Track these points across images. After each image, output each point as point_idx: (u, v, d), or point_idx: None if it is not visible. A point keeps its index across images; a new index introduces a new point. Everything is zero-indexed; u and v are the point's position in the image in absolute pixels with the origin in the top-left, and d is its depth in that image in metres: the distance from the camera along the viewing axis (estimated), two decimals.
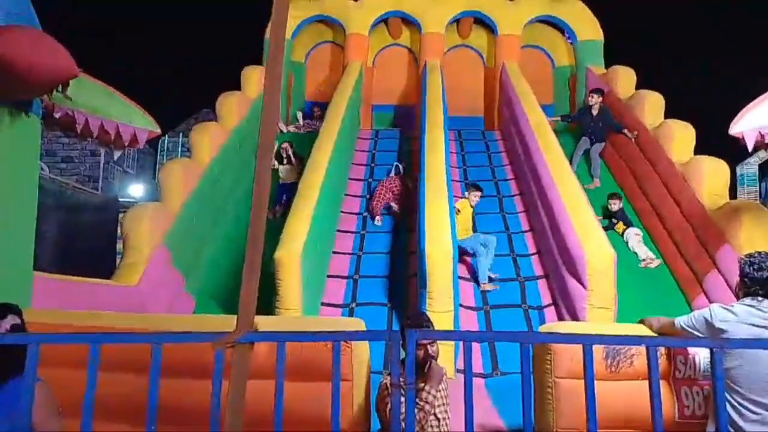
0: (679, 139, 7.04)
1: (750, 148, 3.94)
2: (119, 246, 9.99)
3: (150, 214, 5.72)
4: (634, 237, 6.81)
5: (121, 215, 10.65)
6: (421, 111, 8.81)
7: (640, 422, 2.99)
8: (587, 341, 1.70)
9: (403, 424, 2.56)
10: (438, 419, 2.89)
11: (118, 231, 10.23)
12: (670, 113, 7.76)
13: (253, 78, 9.25)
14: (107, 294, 4.76)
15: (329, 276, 6.37)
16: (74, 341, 1.79)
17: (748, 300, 2.65)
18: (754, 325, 2.57)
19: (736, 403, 2.56)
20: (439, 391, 2.86)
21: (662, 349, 3.04)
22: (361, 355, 3.08)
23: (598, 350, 3.05)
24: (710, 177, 6.20)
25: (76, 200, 8.73)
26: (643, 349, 3.06)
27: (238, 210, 7.61)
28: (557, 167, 6.39)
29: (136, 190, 14.43)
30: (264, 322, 3.46)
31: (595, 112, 8.40)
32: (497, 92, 10.03)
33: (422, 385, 2.77)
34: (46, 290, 3.79)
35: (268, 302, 5.50)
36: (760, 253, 2.73)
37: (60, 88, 3.15)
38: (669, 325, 3.04)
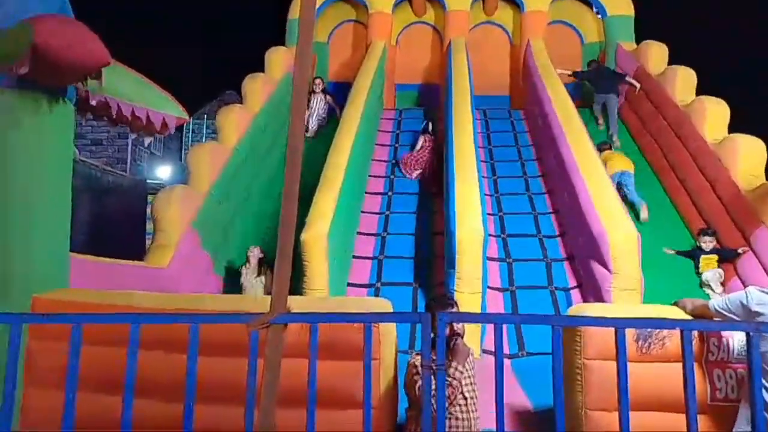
0: (713, 116, 6.86)
1: None
2: (148, 227, 10.23)
3: (179, 197, 5.82)
4: (717, 277, 5.79)
5: (149, 197, 10.87)
6: (446, 90, 8.72)
7: (671, 404, 2.98)
8: (621, 325, 1.69)
9: (433, 402, 2.62)
10: (465, 398, 2.92)
11: (147, 212, 10.46)
12: (703, 90, 7.56)
13: (277, 59, 9.26)
14: (139, 275, 4.89)
15: (354, 256, 6.42)
16: (115, 321, 1.85)
17: None
18: None
19: None
20: (466, 369, 2.88)
21: (695, 332, 3.01)
22: (389, 334, 3.11)
23: (629, 332, 3.03)
24: (745, 156, 6.04)
25: (106, 182, 8.91)
26: (675, 331, 3.05)
27: (263, 192, 7.69)
28: (579, 148, 6.28)
29: (163, 171, 14.65)
30: (296, 303, 3.52)
31: (593, 67, 9.23)
32: (522, 70, 9.86)
33: (449, 361, 2.79)
34: (81, 271, 3.90)
35: (295, 282, 5.59)
36: None
37: (94, 76, 3.20)
38: (702, 307, 3.02)
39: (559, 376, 1.66)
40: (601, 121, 8.95)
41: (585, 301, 5.44)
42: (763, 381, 2.44)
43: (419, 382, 2.75)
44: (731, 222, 5.87)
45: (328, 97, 9.46)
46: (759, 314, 2.60)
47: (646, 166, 7.88)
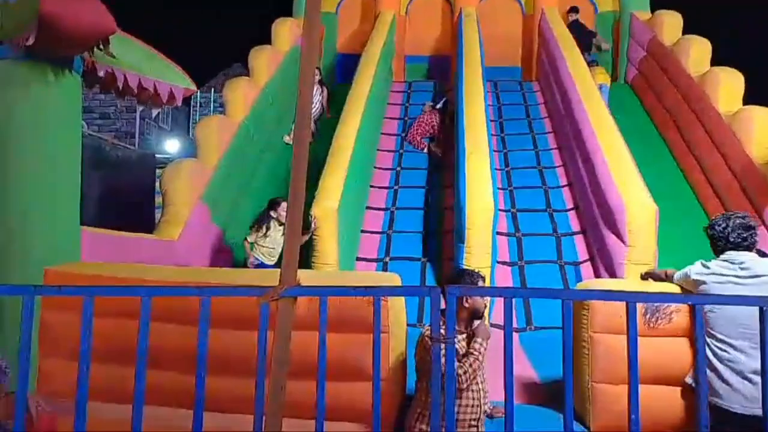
0: (727, 87, 6.73)
1: None
2: (157, 200, 10.27)
3: (188, 171, 5.83)
4: None
5: (158, 170, 10.88)
6: (456, 62, 8.59)
7: (677, 378, 3.00)
8: (632, 299, 1.69)
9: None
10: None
11: (156, 186, 10.49)
12: (718, 61, 7.39)
13: (284, 31, 9.15)
14: (150, 248, 4.92)
15: (363, 231, 6.42)
16: (127, 294, 1.87)
17: (723, 255, 2.86)
18: (722, 275, 2.78)
19: (712, 345, 2.72)
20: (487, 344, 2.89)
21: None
22: (398, 308, 3.13)
23: (639, 308, 3.03)
24: (760, 128, 5.93)
25: (115, 156, 8.92)
26: (682, 306, 3.05)
27: (272, 165, 7.68)
28: (598, 118, 6.19)
29: (171, 145, 14.65)
30: (305, 277, 3.54)
31: (573, 19, 9.41)
32: (536, 41, 9.67)
33: (473, 337, 2.81)
34: (93, 244, 3.93)
35: (305, 257, 5.61)
36: (717, 217, 2.99)
37: (101, 46, 3.17)
38: (669, 278, 3.19)
39: (569, 350, 1.66)
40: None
41: (596, 274, 5.43)
42: (706, 340, 2.68)
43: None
44: (743, 197, 5.79)
45: (324, 90, 8.75)
46: (701, 283, 2.85)
47: (658, 138, 7.79)
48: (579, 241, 6.09)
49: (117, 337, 2.63)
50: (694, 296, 2.68)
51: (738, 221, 2.84)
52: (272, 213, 5.75)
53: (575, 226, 6.31)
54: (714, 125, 6.52)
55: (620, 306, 3.06)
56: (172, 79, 4.08)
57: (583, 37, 9.15)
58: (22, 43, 2.98)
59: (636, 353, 1.62)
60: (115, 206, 8.26)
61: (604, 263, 5.35)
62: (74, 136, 3.66)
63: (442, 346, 1.71)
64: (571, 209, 6.55)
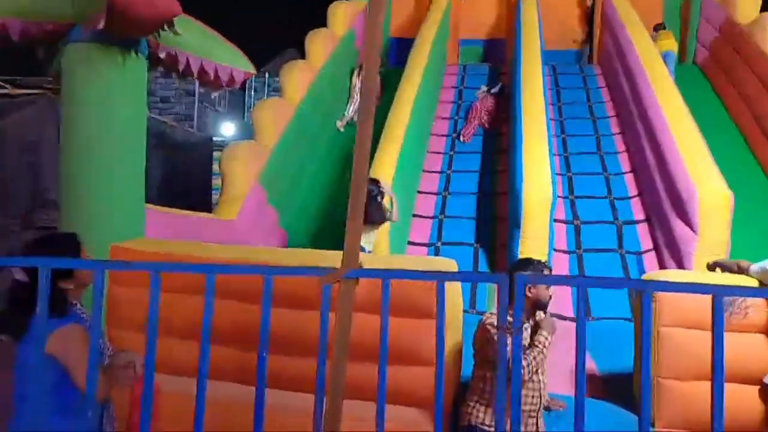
0: None
1: None
2: (214, 182, 10.53)
3: (246, 153, 5.92)
4: None
5: (215, 153, 11.15)
6: (514, 44, 8.36)
7: (754, 377, 2.83)
8: (719, 292, 1.57)
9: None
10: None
11: (213, 168, 10.75)
12: None
13: (340, 14, 9.11)
14: (209, 227, 5.04)
15: (415, 215, 6.38)
16: (192, 270, 1.89)
17: None
18: None
19: None
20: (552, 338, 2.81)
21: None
22: (453, 293, 3.08)
23: (709, 301, 2.86)
24: None
25: (175, 139, 9.17)
26: (758, 300, 2.86)
27: (328, 148, 7.72)
28: (668, 100, 5.88)
29: (227, 128, 14.96)
30: (366, 260, 3.53)
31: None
32: (599, 23, 9.27)
33: (538, 330, 2.74)
34: (156, 222, 4.05)
35: None
36: None
37: (167, 27, 3.23)
38: (746, 270, 3.02)
39: (648, 344, 1.57)
40: None
41: (661, 265, 5.19)
42: None
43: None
44: None
45: (377, 78, 8.85)
46: None
47: (731, 125, 7.34)
48: (642, 230, 5.85)
49: (179, 312, 2.70)
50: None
51: None
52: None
53: (638, 214, 6.06)
54: None
55: (689, 298, 2.94)
56: (232, 61, 4.12)
57: None
58: (93, 26, 3.06)
59: (722, 351, 1.51)
60: (174, 187, 8.53)
61: (671, 253, 5.11)
62: (140, 117, 3.76)
63: (509, 335, 1.64)
64: (634, 197, 6.29)
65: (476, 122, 7.61)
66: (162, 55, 3.75)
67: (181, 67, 3.86)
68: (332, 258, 1.82)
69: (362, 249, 5.47)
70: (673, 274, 3.44)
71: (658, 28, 8.92)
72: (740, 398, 2.85)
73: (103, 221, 3.47)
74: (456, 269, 3.17)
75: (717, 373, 1.49)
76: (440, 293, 1.73)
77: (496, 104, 7.71)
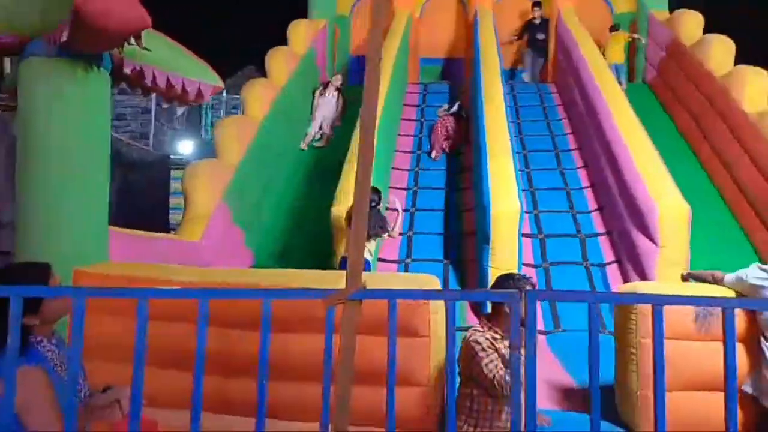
0: (753, 87, 6.63)
1: None
2: (173, 202, 10.23)
3: (209, 171, 5.76)
4: None
5: (173, 172, 10.85)
6: (472, 63, 8.52)
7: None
8: (729, 304, 1.59)
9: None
10: None
11: (171, 187, 10.45)
12: (741, 60, 7.29)
13: (300, 32, 9.09)
14: (173, 249, 4.85)
15: None
16: (184, 296, 1.78)
17: None
18: None
19: None
20: None
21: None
22: (439, 311, 3.04)
23: (689, 312, 2.94)
24: None
25: (131, 157, 8.88)
26: (736, 309, 2.95)
27: (293, 166, 7.62)
28: (624, 118, 6.10)
29: (184, 147, 14.58)
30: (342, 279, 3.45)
31: (537, 21, 9.51)
32: (553, 42, 9.58)
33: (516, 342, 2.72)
34: (119, 245, 3.86)
35: (327, 257, 5.54)
36: None
37: (133, 41, 3.10)
38: (721, 281, 3.11)
39: (661, 356, 1.57)
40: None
41: (624, 276, 5.32)
42: (766, 342, 2.67)
43: (485, 360, 2.68)
44: None
45: (341, 97, 8.48)
46: (759, 288, 2.77)
47: (680, 139, 7.67)
48: (604, 243, 6.00)
49: (157, 339, 2.54)
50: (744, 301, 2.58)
51: None
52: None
53: (599, 227, 6.22)
54: (741, 125, 6.41)
55: (669, 310, 2.99)
56: (199, 75, 4.01)
57: (547, 38, 9.56)
58: (56, 39, 2.91)
59: (735, 365, 1.53)
60: (131, 207, 8.22)
61: (634, 265, 5.25)
62: (103, 135, 3.60)
63: (522, 353, 1.62)
64: (595, 210, 6.46)
65: (438, 145, 7.66)
66: (127, 70, 3.61)
67: (147, 82, 3.72)
68: (328, 279, 1.75)
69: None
70: (653, 287, 3.52)
71: (613, 29, 9.35)
72: (720, 406, 2.91)
73: (65, 244, 3.28)
74: (438, 286, 3.14)
75: (730, 386, 1.51)
76: (450, 311, 1.69)
77: (455, 124, 7.75)
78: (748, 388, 2.77)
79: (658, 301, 1.64)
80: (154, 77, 3.76)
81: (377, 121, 6.48)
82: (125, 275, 3.21)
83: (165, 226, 9.19)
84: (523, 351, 2.67)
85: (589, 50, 7.80)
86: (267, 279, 3.03)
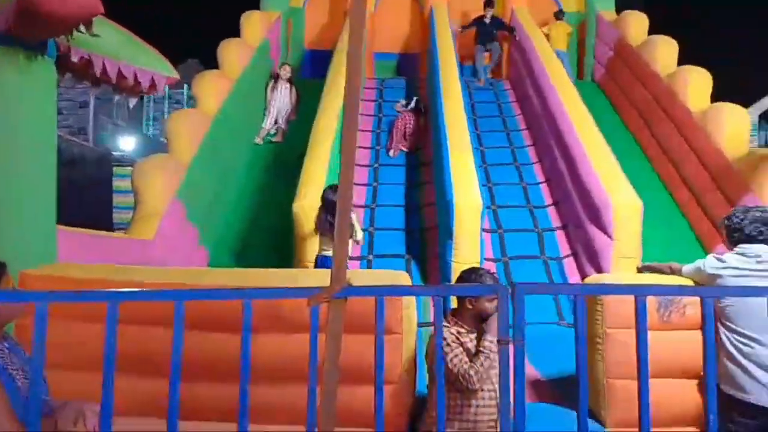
0: (696, 86, 6.93)
1: None
2: (116, 200, 9.79)
3: (162, 167, 5.52)
4: None
5: (115, 169, 10.38)
6: (429, 58, 8.55)
7: (693, 372, 3.00)
8: (707, 294, 1.62)
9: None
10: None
11: (113, 184, 10.00)
12: (685, 60, 7.60)
13: (253, 24, 8.86)
14: (125, 248, 4.62)
15: None
16: (158, 298, 1.67)
17: (737, 248, 2.84)
18: (738, 268, 2.77)
19: (733, 339, 2.71)
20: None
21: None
22: (410, 308, 3.01)
23: (651, 301, 3.01)
24: (731, 125, 6.12)
25: (71, 153, 8.43)
26: (695, 299, 3.06)
27: (248, 161, 7.43)
28: (578, 115, 6.25)
29: (126, 143, 13.98)
30: (314, 276, 3.35)
31: (488, 19, 9.47)
32: (506, 39, 9.72)
33: (483, 335, 2.72)
34: (69, 245, 3.63)
35: (287, 254, 5.42)
36: (736, 209, 3.01)
37: (84, 28, 2.90)
38: (678, 272, 3.17)
39: (645, 351, 1.59)
40: (482, 78, 9.49)
41: (580, 269, 5.46)
42: (727, 334, 2.70)
43: (449, 355, 2.67)
44: (718, 192, 5.96)
45: (294, 89, 8.31)
46: (717, 277, 2.83)
47: (628, 135, 7.94)
48: (560, 237, 6.13)
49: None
50: (711, 289, 2.67)
51: (757, 215, 2.85)
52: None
53: (555, 221, 6.36)
54: (685, 123, 6.70)
55: (632, 300, 3.07)
56: (152, 65, 3.81)
57: (496, 33, 9.57)
58: None
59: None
60: (72, 205, 7.80)
61: (589, 258, 5.39)
62: (49, 128, 3.37)
63: (510, 347, 1.60)
64: (550, 205, 6.59)
65: (398, 142, 7.62)
66: (75, 59, 3.38)
67: (97, 72, 3.50)
68: (307, 278, 1.68)
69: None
70: (613, 278, 3.60)
71: (558, 16, 9.67)
72: (679, 392, 3.01)
73: (9, 245, 3.04)
74: (409, 282, 3.11)
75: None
76: (437, 308, 1.65)
77: (414, 121, 7.75)
78: None
79: (641, 292, 1.65)
80: (104, 67, 3.54)
81: (336, 118, 6.43)
82: (77, 278, 3.02)
83: (109, 225, 8.79)
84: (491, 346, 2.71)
85: (542, 47, 7.96)
86: (236, 279, 2.90)
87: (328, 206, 4.78)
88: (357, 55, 1.67)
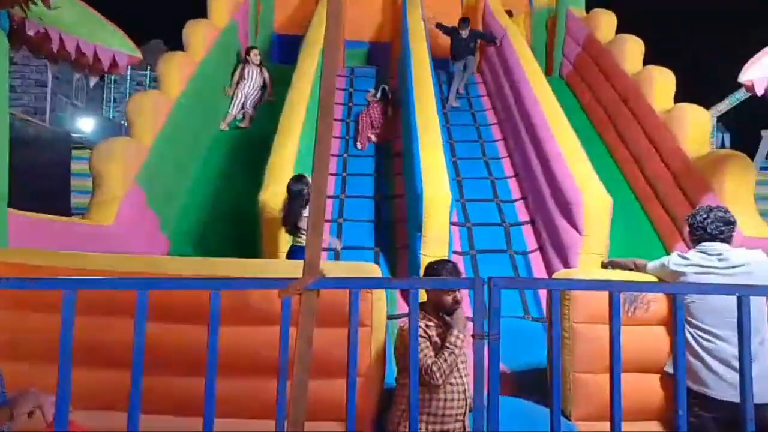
0: (660, 85, 7.04)
1: (759, 93, 3.94)
2: (74, 184, 9.40)
3: (122, 150, 5.30)
4: None
5: (74, 151, 9.96)
6: (401, 48, 8.47)
7: (656, 366, 3.06)
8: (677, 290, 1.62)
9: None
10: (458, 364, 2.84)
11: (71, 167, 9.59)
12: (652, 60, 7.74)
13: (220, 5, 8.58)
14: (82, 234, 4.43)
15: None
16: (120, 287, 1.57)
17: (699, 246, 2.94)
18: (701, 265, 2.86)
19: (696, 335, 2.79)
20: (465, 334, 2.79)
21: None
22: (380, 300, 2.97)
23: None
24: (693, 125, 6.24)
25: (27, 133, 8.03)
26: (659, 295, 3.11)
27: (212, 146, 7.23)
28: (550, 110, 6.29)
29: (85, 124, 13.42)
30: (282, 267, 3.26)
31: (465, 35, 8.87)
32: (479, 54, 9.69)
33: (448, 329, 2.71)
34: (20, 229, 3.45)
35: (252, 245, 5.30)
36: (699, 208, 3.11)
37: (39, 0, 2.73)
38: (643, 267, 3.26)
39: (618, 345, 1.58)
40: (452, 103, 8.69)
41: (547, 264, 5.52)
42: (689, 329, 2.77)
43: (425, 350, 2.65)
44: (678, 190, 6.10)
45: (265, 72, 8.20)
46: (680, 274, 2.91)
47: (593, 132, 8.06)
48: (527, 231, 6.18)
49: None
50: (679, 285, 2.71)
51: (719, 214, 2.92)
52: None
53: (522, 216, 6.41)
54: (650, 122, 6.81)
55: (598, 295, 3.10)
56: (114, 43, 3.64)
57: (474, 47, 9.04)
58: None
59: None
60: (27, 188, 7.45)
61: (557, 253, 5.44)
62: (0, 106, 3.17)
63: (486, 342, 1.57)
64: (518, 200, 6.64)
65: (365, 134, 7.55)
66: (30, 33, 3.19)
67: (54, 47, 3.32)
68: (276, 268, 1.61)
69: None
70: (580, 273, 3.63)
71: (463, 21, 9.19)
72: (643, 386, 3.07)
73: None
74: (379, 275, 3.06)
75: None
76: (413, 299, 1.61)
77: (382, 113, 7.68)
78: (670, 369, 2.92)
79: (616, 288, 1.64)
80: (61, 42, 3.36)
81: (305, 105, 6.29)
82: (27, 263, 2.86)
83: (67, 210, 8.43)
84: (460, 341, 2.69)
85: (515, 40, 7.98)
86: (203, 268, 2.79)
87: (292, 196, 4.72)
88: (335, 43, 1.61)
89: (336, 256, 5.63)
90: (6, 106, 3.29)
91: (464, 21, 9.03)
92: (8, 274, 2.67)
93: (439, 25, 9.32)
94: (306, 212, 4.67)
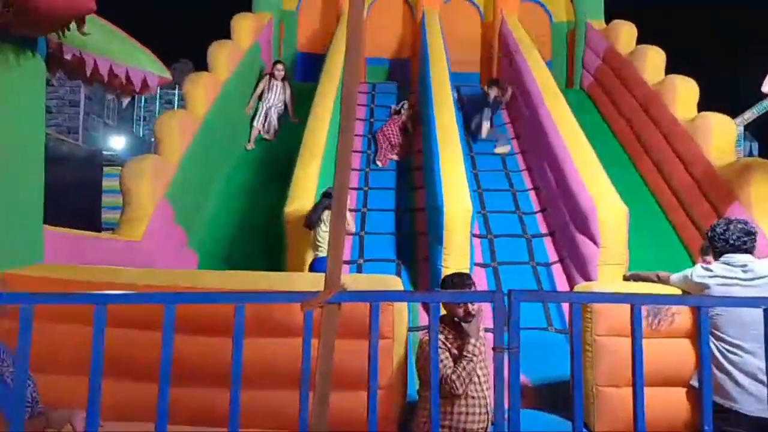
0: (683, 95, 6.99)
1: None
2: (105, 200, 9.69)
3: (151, 168, 5.47)
4: None
5: (104, 168, 10.28)
6: (420, 64, 8.57)
7: (681, 380, 3.03)
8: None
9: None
10: (478, 376, 2.85)
11: (103, 184, 9.89)
12: (671, 70, 7.69)
13: (244, 26, 8.81)
14: (112, 249, 4.57)
15: None
16: (148, 301, 1.65)
17: (723, 258, 2.91)
18: (725, 277, 2.84)
19: (722, 348, 2.77)
20: (483, 344, 2.80)
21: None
22: (401, 312, 3.01)
23: (642, 311, 3.04)
24: (717, 134, 6.17)
25: (60, 152, 8.32)
26: (683, 307, 3.09)
27: (237, 164, 7.39)
28: (565, 123, 6.30)
29: (117, 142, 13.83)
30: (302, 281, 3.33)
31: (490, 99, 8.04)
32: (496, 47, 9.77)
33: (466, 339, 2.73)
34: (55, 245, 3.59)
35: (278, 258, 5.39)
36: (719, 220, 3.11)
37: (76, 25, 2.87)
38: (666, 279, 3.24)
39: (640, 356, 1.59)
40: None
41: (567, 276, 5.49)
42: (714, 342, 2.76)
43: (444, 360, 2.68)
44: (704, 199, 6.02)
45: (288, 88, 8.24)
46: (704, 286, 2.89)
47: (615, 143, 8.00)
48: (548, 243, 6.16)
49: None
50: (702, 298, 2.69)
51: (739, 226, 2.90)
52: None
53: (543, 228, 6.39)
54: (673, 131, 6.75)
55: (621, 308, 3.09)
56: (146, 66, 3.79)
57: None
58: None
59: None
60: (62, 205, 7.71)
61: (576, 265, 5.41)
62: (38, 126, 3.34)
63: (506, 355, 1.60)
64: (539, 211, 6.63)
65: (386, 152, 7.57)
66: (67, 57, 3.35)
67: (88, 71, 3.47)
68: (300, 282, 1.67)
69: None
70: (601, 286, 3.62)
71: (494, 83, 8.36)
72: (668, 400, 3.03)
73: None
74: (401, 288, 3.11)
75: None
76: (434, 313, 1.65)
77: (400, 130, 7.73)
78: (696, 382, 2.89)
79: (637, 301, 1.66)
80: (95, 66, 3.51)
81: (328, 121, 6.41)
82: (63, 278, 2.98)
83: (97, 226, 8.69)
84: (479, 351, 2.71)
85: (531, 56, 8.01)
86: (228, 282, 2.87)
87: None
88: (356, 60, 1.68)
89: (358, 268, 5.70)
90: (43, 125, 3.45)
91: (495, 82, 8.33)
92: (46, 288, 2.79)
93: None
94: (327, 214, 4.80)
